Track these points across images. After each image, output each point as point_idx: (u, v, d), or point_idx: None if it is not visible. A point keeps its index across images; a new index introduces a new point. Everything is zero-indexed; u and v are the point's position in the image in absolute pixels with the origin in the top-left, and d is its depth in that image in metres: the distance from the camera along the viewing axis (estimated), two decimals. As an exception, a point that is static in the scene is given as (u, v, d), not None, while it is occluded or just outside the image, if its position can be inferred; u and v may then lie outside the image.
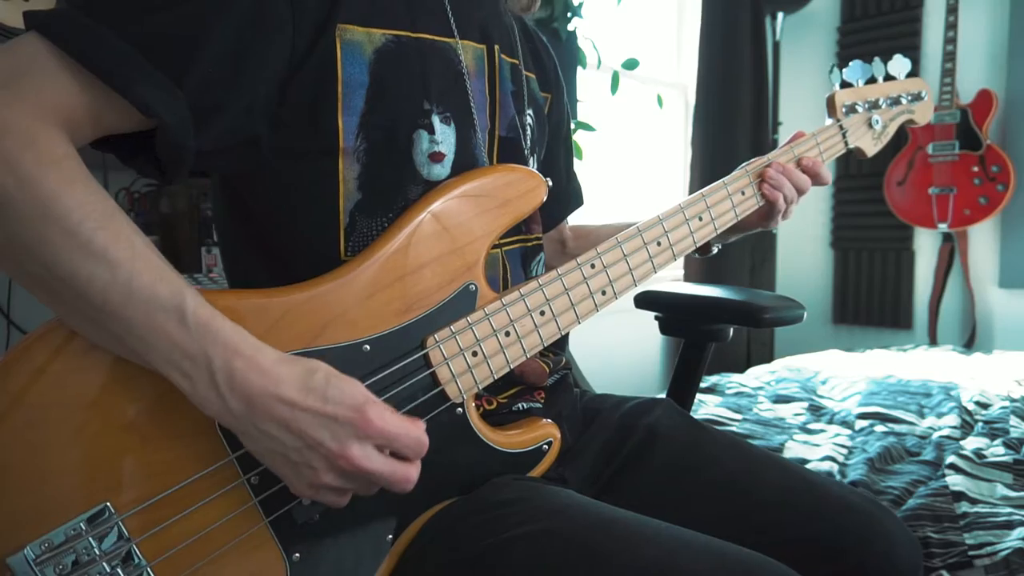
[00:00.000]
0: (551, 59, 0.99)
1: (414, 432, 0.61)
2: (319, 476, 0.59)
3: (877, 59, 1.05)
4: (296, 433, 0.58)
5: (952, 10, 2.93)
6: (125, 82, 0.57)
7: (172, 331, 0.56)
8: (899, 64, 1.06)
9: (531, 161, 0.88)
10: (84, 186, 0.56)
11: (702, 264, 2.97)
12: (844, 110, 1.02)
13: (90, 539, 0.58)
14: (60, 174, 0.55)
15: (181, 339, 0.56)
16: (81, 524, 0.58)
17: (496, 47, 0.82)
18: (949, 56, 2.93)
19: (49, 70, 0.57)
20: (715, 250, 1.03)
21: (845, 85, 1.03)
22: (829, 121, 1.02)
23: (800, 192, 0.94)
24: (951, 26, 2.93)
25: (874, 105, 1.04)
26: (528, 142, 0.86)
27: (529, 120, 0.87)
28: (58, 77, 0.57)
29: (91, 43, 0.57)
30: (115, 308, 0.55)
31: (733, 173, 0.92)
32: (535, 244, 0.87)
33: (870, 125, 1.04)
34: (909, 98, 1.08)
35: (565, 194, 1.07)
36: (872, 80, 1.05)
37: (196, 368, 0.57)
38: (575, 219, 1.14)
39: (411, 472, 0.62)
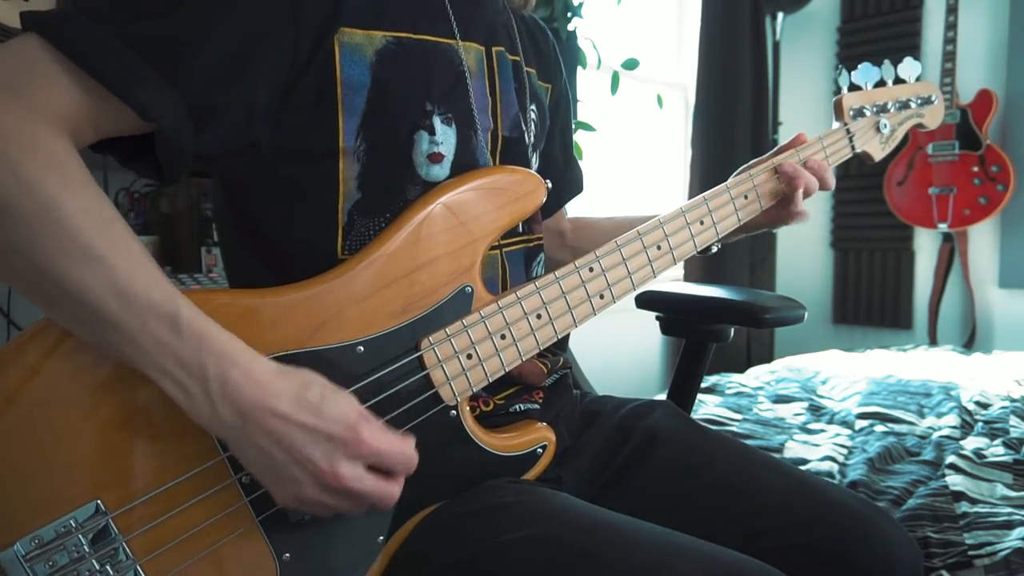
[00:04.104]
0: (550, 46, 0.99)
1: (406, 450, 0.62)
2: (304, 490, 0.59)
3: (887, 62, 1.03)
4: (287, 448, 0.57)
5: (952, 10, 2.93)
6: (123, 85, 0.57)
7: (166, 338, 0.56)
8: (909, 67, 1.04)
9: (533, 158, 0.88)
10: (84, 190, 0.56)
11: (702, 264, 2.97)
12: (852, 113, 1.00)
13: (80, 536, 0.58)
14: (62, 178, 0.55)
15: (175, 347, 0.56)
16: (71, 521, 0.58)
17: (497, 47, 0.82)
18: (949, 56, 2.93)
19: (49, 72, 0.57)
20: (715, 249, 1.02)
21: (854, 88, 1.01)
22: (836, 125, 1.00)
23: (806, 194, 0.93)
24: (951, 26, 2.93)
25: (882, 109, 1.03)
26: (531, 138, 0.86)
27: (532, 115, 0.87)
28: (58, 79, 0.57)
29: (90, 45, 0.57)
30: (110, 314, 0.55)
31: (736, 177, 0.91)
32: (536, 244, 0.87)
33: (878, 129, 1.02)
34: (919, 102, 1.07)
35: (562, 182, 1.06)
36: (881, 83, 1.03)
37: (190, 377, 0.56)
38: (577, 211, 1.13)
39: (395, 491, 0.62)
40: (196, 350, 0.56)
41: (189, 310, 0.57)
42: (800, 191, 0.91)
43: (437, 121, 0.73)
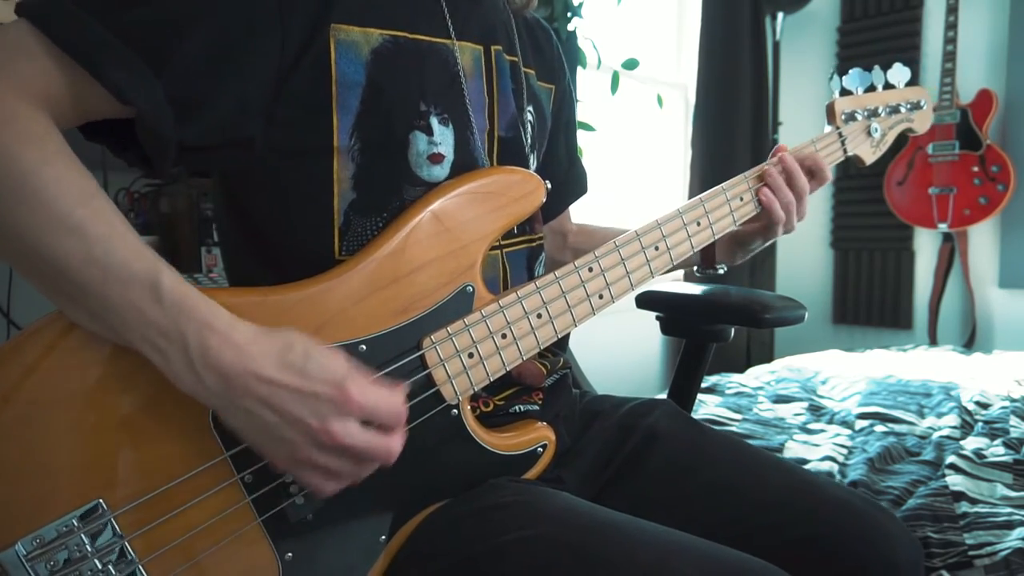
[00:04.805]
0: (552, 47, 0.98)
1: (393, 403, 0.61)
2: (300, 451, 0.58)
3: (877, 67, 1.05)
4: (276, 410, 0.57)
5: (952, 10, 2.93)
6: (99, 65, 0.58)
7: (147, 308, 0.56)
8: (899, 72, 1.06)
9: (531, 159, 0.88)
10: (64, 163, 0.57)
11: (702, 264, 2.97)
12: (843, 117, 1.02)
13: (82, 536, 0.58)
14: (40, 151, 0.56)
15: (155, 316, 0.56)
16: (73, 520, 0.58)
17: (495, 47, 0.81)
18: (949, 56, 2.93)
19: (32, 53, 0.58)
20: (721, 271, 1.03)
21: (845, 92, 1.03)
22: (828, 128, 1.02)
23: (799, 196, 0.94)
24: (951, 26, 2.93)
25: (873, 113, 1.04)
26: (528, 140, 0.86)
27: (529, 117, 0.87)
28: (40, 59, 0.58)
29: (72, 28, 0.58)
30: (91, 285, 0.56)
31: (733, 179, 0.92)
32: (539, 244, 0.87)
33: (869, 133, 1.04)
34: (908, 107, 1.09)
35: (565, 183, 1.06)
36: (871, 88, 1.05)
37: (170, 345, 0.56)
38: (578, 210, 1.14)
39: (393, 444, 0.61)
40: (176, 318, 0.56)
41: (170, 278, 0.57)
42: (775, 209, 0.92)
43: (434, 121, 0.73)
